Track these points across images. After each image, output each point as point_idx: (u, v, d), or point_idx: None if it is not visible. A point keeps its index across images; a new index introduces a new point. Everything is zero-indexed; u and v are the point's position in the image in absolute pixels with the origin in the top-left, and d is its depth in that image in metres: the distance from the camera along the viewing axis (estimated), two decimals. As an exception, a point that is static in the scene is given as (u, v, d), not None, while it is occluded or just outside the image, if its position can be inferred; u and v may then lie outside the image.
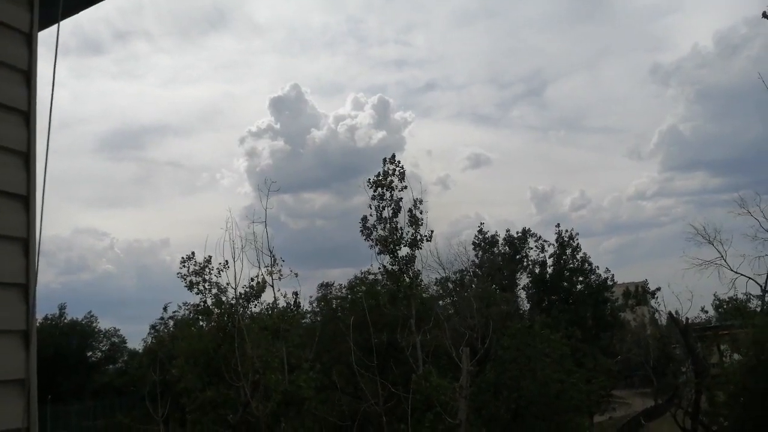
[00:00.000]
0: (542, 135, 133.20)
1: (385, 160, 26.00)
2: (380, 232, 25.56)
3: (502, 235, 47.41)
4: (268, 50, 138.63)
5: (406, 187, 25.64)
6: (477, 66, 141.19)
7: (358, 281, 32.33)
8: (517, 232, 47.53)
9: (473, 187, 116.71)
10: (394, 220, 25.54)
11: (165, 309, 33.74)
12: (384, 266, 26.16)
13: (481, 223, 50.72)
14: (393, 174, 25.83)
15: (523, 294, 46.51)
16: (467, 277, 41.23)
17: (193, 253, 26.84)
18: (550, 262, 46.48)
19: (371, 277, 31.11)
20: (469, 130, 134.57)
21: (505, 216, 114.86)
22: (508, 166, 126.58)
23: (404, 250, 25.82)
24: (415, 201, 25.89)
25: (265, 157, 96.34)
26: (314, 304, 33.58)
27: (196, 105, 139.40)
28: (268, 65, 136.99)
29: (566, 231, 46.72)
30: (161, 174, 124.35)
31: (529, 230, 47.19)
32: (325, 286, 33.88)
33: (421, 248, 25.77)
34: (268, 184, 25.10)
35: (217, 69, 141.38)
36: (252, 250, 25.39)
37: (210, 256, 26.65)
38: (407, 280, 25.80)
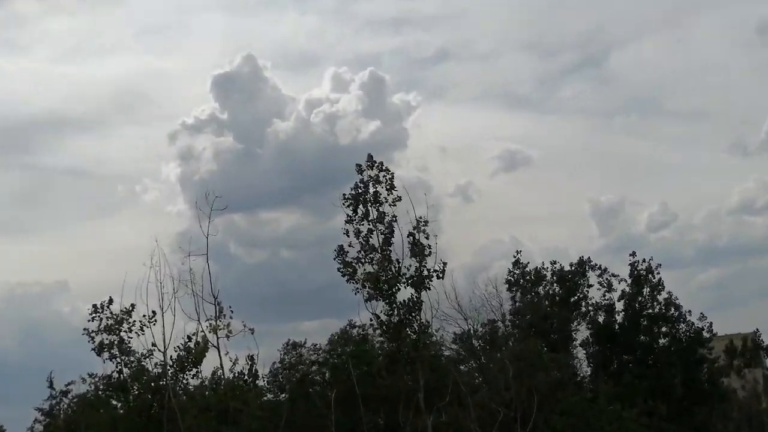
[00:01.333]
0: (604, 123, 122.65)
1: (359, 166, 25.60)
2: (367, 267, 25.10)
3: (549, 268, 45.63)
4: (211, 7, 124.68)
5: (399, 200, 25.07)
6: (510, 26, 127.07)
7: (340, 339, 31.87)
8: (572, 264, 45.92)
9: (507, 199, 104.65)
10: (387, 249, 25.00)
11: (51, 383, 32.65)
12: (377, 316, 25.62)
13: (518, 252, 46.37)
14: (377, 182, 25.33)
15: (581, 353, 44.81)
16: (500, 330, 39.65)
17: (110, 299, 26.39)
18: (619, 306, 44.95)
19: (360, 331, 30.91)
20: (499, 117, 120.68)
21: (554, 241, 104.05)
22: (557, 168, 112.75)
23: (405, 292, 25.37)
24: (418, 221, 25.36)
25: (206, 160, 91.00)
26: (279, 373, 32.89)
27: (107, 87, 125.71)
28: (211, 29, 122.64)
29: (642, 261, 45.29)
30: (58, 187, 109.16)
31: (588, 261, 45.75)
32: (294, 347, 33.21)
33: (430, 288, 25.26)
34: (211, 200, 25.13)
35: (138, 35, 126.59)
36: (188, 295, 25.30)
37: (132, 306, 26.18)
38: (411, 336, 25.46)
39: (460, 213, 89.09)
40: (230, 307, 25.21)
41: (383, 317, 25.28)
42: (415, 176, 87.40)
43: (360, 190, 25.14)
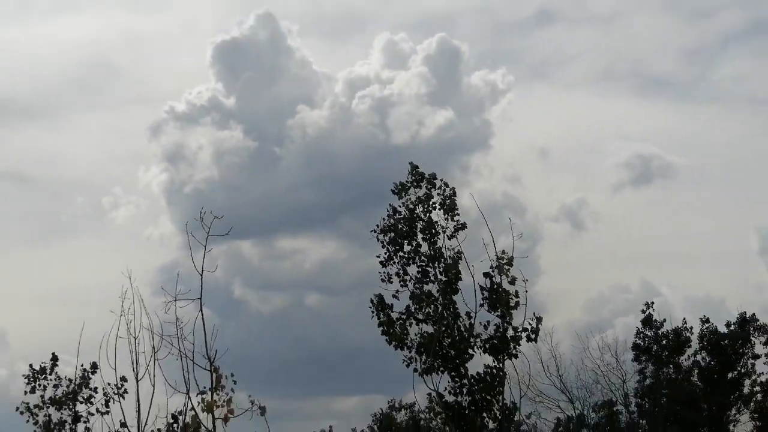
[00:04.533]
0: None
1: (402, 186, 21.28)
2: (422, 327, 21.09)
3: (696, 328, 41.75)
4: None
5: (462, 227, 21.18)
6: None
7: (384, 424, 29.27)
8: (730, 324, 42.05)
9: (636, 227, 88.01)
10: (446, 298, 20.92)
11: None
12: (440, 396, 21.48)
13: (650, 304, 42.07)
14: (428, 205, 21.64)
15: None
16: (622, 416, 36.18)
17: (54, 358, 22.83)
18: None
19: (409, 414, 29.06)
20: (627, 106, 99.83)
21: (705, 288, 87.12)
22: (711, 182, 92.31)
23: (480, 361, 21.21)
24: (498, 259, 20.88)
25: (202, 163, 77.48)
26: None
27: (66, 60, 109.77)
28: None
29: None
30: None
31: (755, 319, 41.97)
32: None
33: (517, 356, 21.34)
34: (209, 221, 19.32)
35: None
36: (173, 356, 20.41)
37: (93, 366, 22.13)
38: (490, 424, 21.18)
39: (567, 246, 78.32)
40: (232, 375, 19.85)
41: (448, 399, 21.22)
42: (502, 191, 76.50)
43: (399, 217, 21.51)
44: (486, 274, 20.72)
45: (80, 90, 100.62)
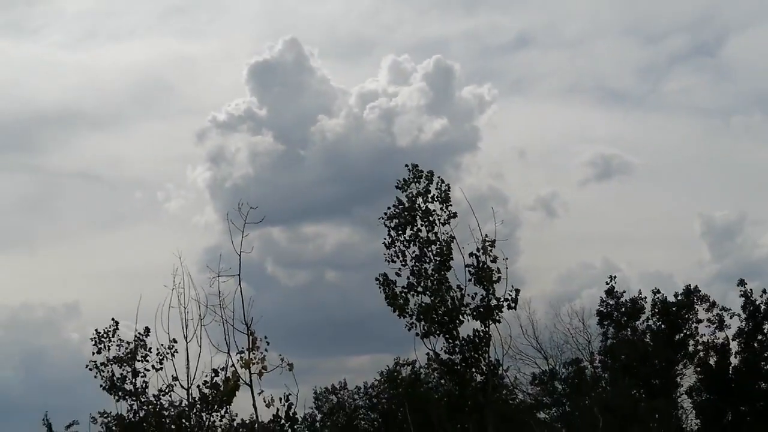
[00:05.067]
0: (721, 123, 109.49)
1: (403, 182, 23.28)
2: (421, 298, 22.79)
3: (649, 298, 44.02)
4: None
5: (454, 216, 22.79)
6: (605, 6, 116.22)
7: (389, 379, 30.14)
8: (677, 295, 44.24)
9: (599, 215, 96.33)
10: (440, 274, 22.67)
11: (48, 426, 30.65)
12: (436, 355, 23.26)
13: (612, 278, 44.37)
14: (426, 197, 23.14)
15: (687, 402, 42.57)
16: (588, 371, 37.98)
17: (115, 323, 24.58)
18: (734, 346, 43.07)
19: (411, 370, 29.72)
20: (591, 115, 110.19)
21: (656, 265, 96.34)
22: (661, 178, 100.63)
23: (469, 326, 22.98)
24: (484, 241, 22.81)
25: (240, 163, 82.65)
26: (318, 418, 30.62)
27: (126, 77, 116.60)
28: (247, 8, 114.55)
29: (763, 292, 43.00)
30: (67, 193, 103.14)
31: (697, 290, 43.99)
32: (333, 392, 30.61)
33: (500, 321, 22.94)
34: (245, 211, 22.25)
35: (162, 16, 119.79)
36: (216, 322, 23.04)
37: (146, 329, 24.36)
38: (477, 378, 23.13)
39: (542, 230, 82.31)
40: (266, 337, 22.86)
41: (443, 356, 23.11)
42: (487, 185, 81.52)
43: (403, 206, 23.25)
44: (472, 254, 22.84)
45: (138, 103, 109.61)
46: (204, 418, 24.02)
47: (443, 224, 23.05)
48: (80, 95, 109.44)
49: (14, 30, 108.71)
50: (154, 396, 24.15)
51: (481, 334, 22.87)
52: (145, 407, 24.04)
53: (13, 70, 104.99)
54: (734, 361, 42.37)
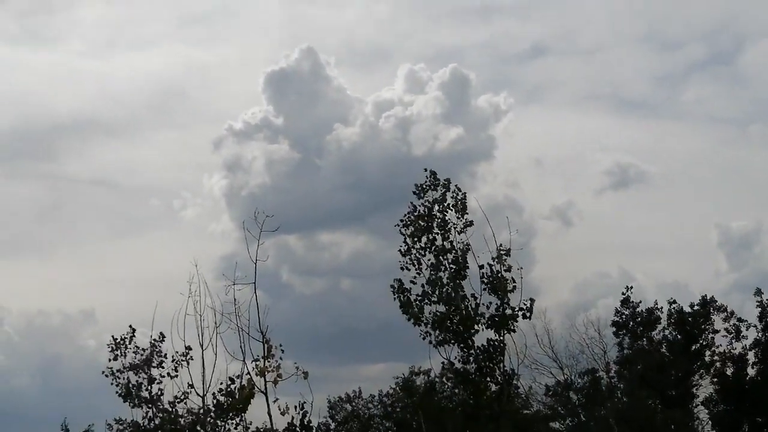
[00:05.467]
0: (738, 132, 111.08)
1: (420, 189, 23.35)
2: (435, 307, 22.85)
3: (666, 308, 43.62)
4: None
5: (470, 224, 22.87)
6: (621, 14, 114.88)
7: (404, 387, 30.23)
8: (694, 305, 43.77)
9: (616, 224, 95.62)
10: (456, 283, 22.76)
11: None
12: (451, 364, 23.32)
13: (628, 288, 43.93)
14: (442, 205, 23.17)
15: (703, 412, 42.18)
16: (603, 381, 37.60)
17: (132, 331, 24.53)
18: (751, 356, 42.53)
19: (426, 379, 29.72)
20: (608, 123, 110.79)
21: (673, 275, 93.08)
22: (678, 187, 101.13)
23: (484, 335, 23.07)
24: (499, 250, 22.84)
25: (256, 172, 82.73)
26: (332, 427, 30.54)
27: (142, 86, 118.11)
28: (264, 17, 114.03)
29: None
30: (83, 200, 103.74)
31: (713, 301, 43.51)
32: (347, 400, 30.48)
33: (514, 330, 23.00)
34: (261, 219, 22.51)
35: (180, 25, 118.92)
36: (232, 330, 23.18)
37: (161, 335, 24.31)
38: (492, 387, 23.15)
39: (558, 240, 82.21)
40: (281, 345, 23.13)
41: (458, 366, 23.25)
42: (503, 194, 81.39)
43: (419, 214, 23.39)
44: (487, 264, 22.92)
45: (155, 111, 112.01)
46: (219, 426, 23.97)
47: (459, 233, 23.10)
48: (98, 103, 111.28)
49: (33, 38, 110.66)
50: (169, 403, 24.09)
51: (496, 343, 22.89)
52: (160, 414, 23.97)
53: (32, 78, 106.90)
54: (751, 371, 42.15)
